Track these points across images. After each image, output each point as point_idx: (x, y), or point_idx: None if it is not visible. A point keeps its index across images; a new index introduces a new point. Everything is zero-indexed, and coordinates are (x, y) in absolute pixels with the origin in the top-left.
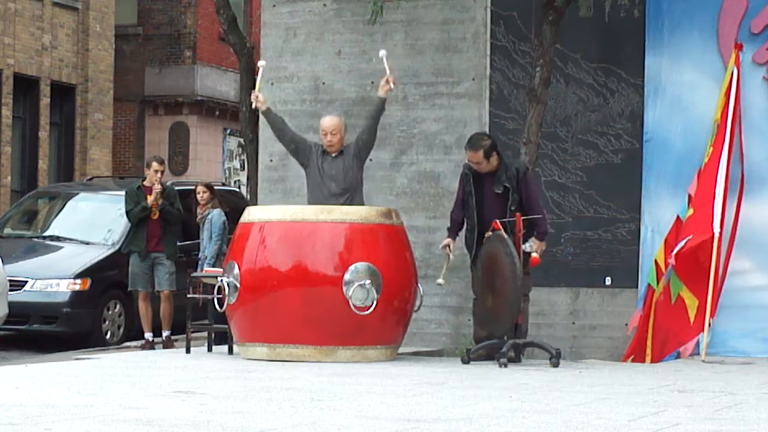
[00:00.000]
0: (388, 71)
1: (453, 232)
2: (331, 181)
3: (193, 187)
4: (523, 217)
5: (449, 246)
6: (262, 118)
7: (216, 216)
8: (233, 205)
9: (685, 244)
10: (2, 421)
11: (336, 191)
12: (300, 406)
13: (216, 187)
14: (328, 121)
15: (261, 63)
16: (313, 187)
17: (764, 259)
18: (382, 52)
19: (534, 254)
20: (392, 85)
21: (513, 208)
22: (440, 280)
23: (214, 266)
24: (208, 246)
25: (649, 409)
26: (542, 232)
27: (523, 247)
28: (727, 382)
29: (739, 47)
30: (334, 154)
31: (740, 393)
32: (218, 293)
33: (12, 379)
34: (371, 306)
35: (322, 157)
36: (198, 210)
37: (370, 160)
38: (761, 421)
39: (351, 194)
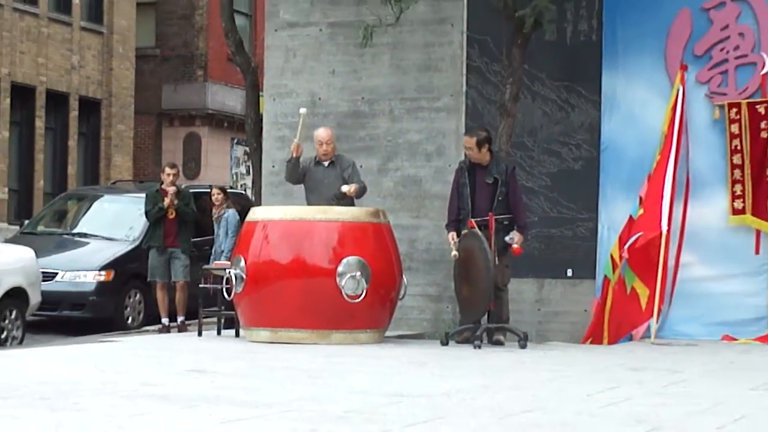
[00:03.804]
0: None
1: (452, 227)
2: (325, 189)
3: (204, 190)
4: (496, 216)
5: (453, 237)
6: (265, 129)
7: (232, 215)
8: (240, 205)
9: (636, 239)
10: (36, 395)
11: (333, 195)
12: (299, 382)
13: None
14: (324, 133)
15: (302, 111)
16: (309, 194)
17: (706, 253)
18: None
19: (515, 245)
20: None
21: (500, 198)
22: (455, 252)
23: (230, 259)
24: (224, 241)
25: (605, 386)
26: (522, 225)
27: (506, 238)
28: (674, 361)
29: (684, 68)
30: (326, 163)
31: (685, 371)
32: (227, 283)
33: (44, 359)
34: (361, 295)
35: (315, 167)
36: (213, 210)
37: (360, 166)
38: (704, 396)
39: (347, 200)
